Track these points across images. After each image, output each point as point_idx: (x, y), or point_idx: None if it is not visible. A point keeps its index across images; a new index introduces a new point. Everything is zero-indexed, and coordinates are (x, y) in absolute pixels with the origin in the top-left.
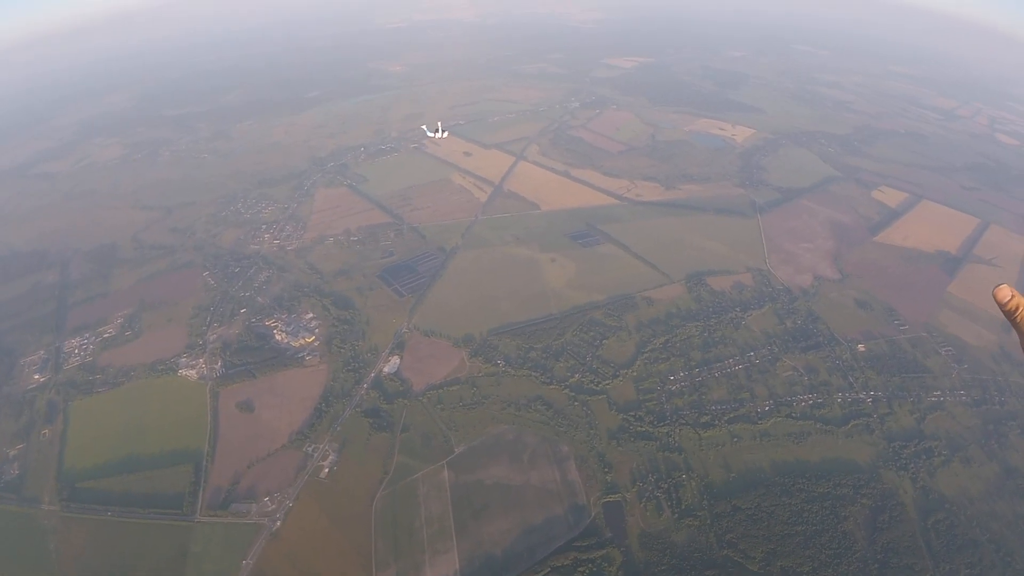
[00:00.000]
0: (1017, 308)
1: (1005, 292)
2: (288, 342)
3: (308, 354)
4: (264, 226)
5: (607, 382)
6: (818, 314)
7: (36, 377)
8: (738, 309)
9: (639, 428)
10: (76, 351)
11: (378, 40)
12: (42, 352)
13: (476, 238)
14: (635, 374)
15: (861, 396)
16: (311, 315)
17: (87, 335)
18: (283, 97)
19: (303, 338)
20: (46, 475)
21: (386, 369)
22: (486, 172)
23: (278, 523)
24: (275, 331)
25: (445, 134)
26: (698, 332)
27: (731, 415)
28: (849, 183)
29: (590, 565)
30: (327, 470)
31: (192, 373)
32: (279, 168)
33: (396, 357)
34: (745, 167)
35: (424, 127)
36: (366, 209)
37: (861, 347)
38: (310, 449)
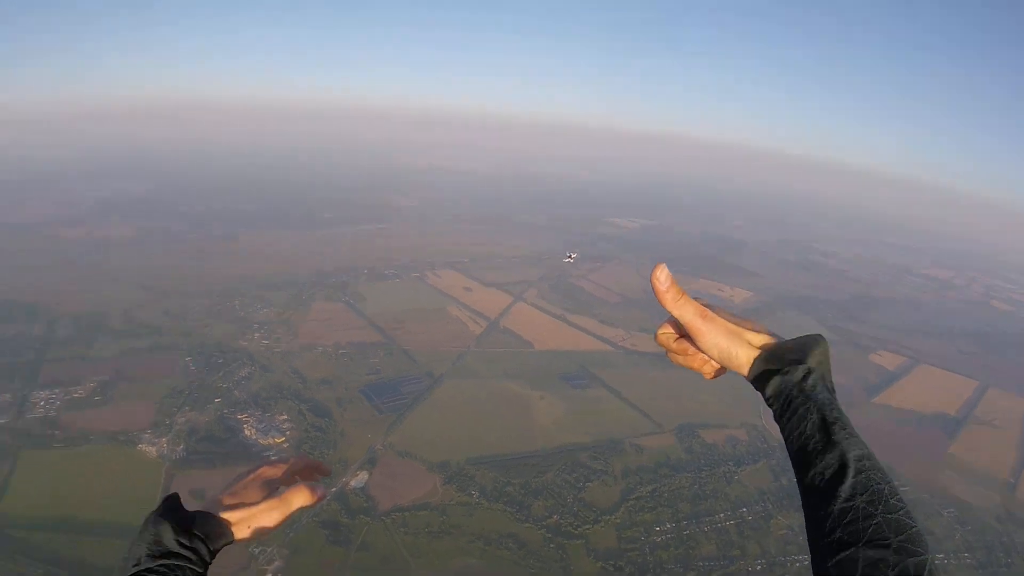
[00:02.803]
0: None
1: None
2: (256, 439)
3: (274, 455)
4: (256, 325)
5: (587, 527)
6: None
7: None
8: (731, 463)
9: None
10: (42, 403)
11: (397, 179)
12: (8, 396)
13: (466, 368)
14: (618, 521)
15: None
16: (285, 416)
17: (57, 391)
18: (298, 214)
19: (273, 438)
20: None
21: (353, 483)
22: (484, 308)
23: None
24: (245, 426)
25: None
26: (688, 484)
27: (719, 572)
28: (846, 347)
29: None
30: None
31: (152, 450)
32: (282, 275)
33: (365, 473)
34: None
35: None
36: (360, 326)
37: None
38: (256, 550)
